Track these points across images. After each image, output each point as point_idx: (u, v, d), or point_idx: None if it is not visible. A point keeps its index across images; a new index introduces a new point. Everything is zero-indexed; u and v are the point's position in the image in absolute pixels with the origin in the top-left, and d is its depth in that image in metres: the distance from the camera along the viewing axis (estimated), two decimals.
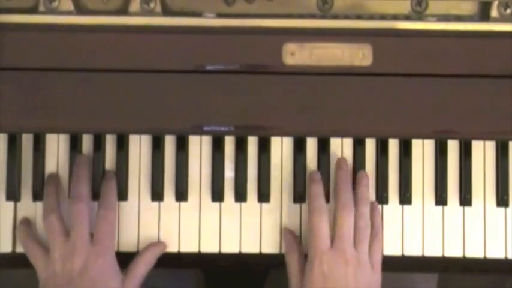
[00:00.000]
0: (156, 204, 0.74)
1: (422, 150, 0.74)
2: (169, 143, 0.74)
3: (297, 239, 0.72)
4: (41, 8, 0.71)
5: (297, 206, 0.74)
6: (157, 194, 0.74)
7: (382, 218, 0.74)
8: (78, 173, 0.72)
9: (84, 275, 0.66)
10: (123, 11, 0.71)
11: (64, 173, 0.74)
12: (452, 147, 0.74)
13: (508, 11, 0.71)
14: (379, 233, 0.72)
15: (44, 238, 0.71)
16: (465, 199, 0.74)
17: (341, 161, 0.74)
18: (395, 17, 0.72)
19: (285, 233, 0.73)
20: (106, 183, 0.72)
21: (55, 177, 0.73)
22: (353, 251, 0.68)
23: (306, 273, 0.68)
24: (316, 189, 0.71)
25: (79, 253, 0.67)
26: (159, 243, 0.73)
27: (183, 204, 0.74)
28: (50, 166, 0.74)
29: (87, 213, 0.69)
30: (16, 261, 0.74)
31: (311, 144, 0.74)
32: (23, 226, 0.72)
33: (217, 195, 0.74)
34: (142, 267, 0.71)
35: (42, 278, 0.68)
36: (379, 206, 0.74)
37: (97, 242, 0.68)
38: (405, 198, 0.74)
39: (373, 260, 0.70)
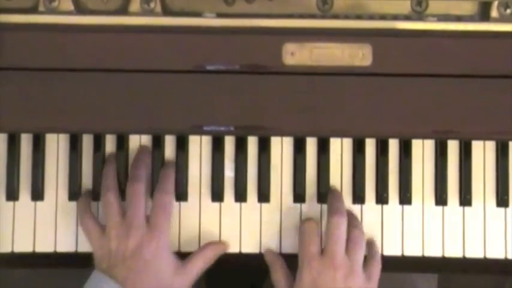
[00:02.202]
0: None
1: (422, 151, 0.74)
2: (169, 143, 0.74)
3: (278, 256, 0.72)
4: (41, 8, 0.71)
5: (297, 206, 0.74)
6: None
7: (382, 218, 0.74)
8: (137, 157, 0.72)
9: (137, 255, 0.67)
10: (123, 11, 0.71)
11: (64, 173, 0.74)
12: (452, 147, 0.74)
13: (508, 11, 0.70)
14: (376, 255, 0.71)
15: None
16: (465, 199, 0.74)
17: (334, 189, 0.74)
18: (395, 17, 0.72)
19: (266, 253, 0.73)
20: (164, 170, 0.73)
21: (113, 158, 0.73)
22: (343, 257, 0.67)
23: (296, 281, 0.68)
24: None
25: (134, 233, 0.67)
26: (221, 242, 0.73)
27: (183, 204, 0.74)
28: (49, 166, 0.74)
29: (144, 195, 0.70)
30: (16, 261, 0.74)
31: (311, 144, 0.74)
32: (84, 201, 0.72)
33: (217, 195, 0.74)
34: (200, 263, 0.71)
35: (97, 255, 0.69)
36: (379, 206, 0.74)
37: (152, 225, 0.68)
38: (405, 198, 0.74)
39: (369, 273, 0.69)
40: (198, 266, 0.71)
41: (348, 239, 0.69)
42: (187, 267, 0.70)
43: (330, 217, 0.69)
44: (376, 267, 0.70)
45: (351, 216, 0.71)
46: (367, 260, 0.71)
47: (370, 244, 0.72)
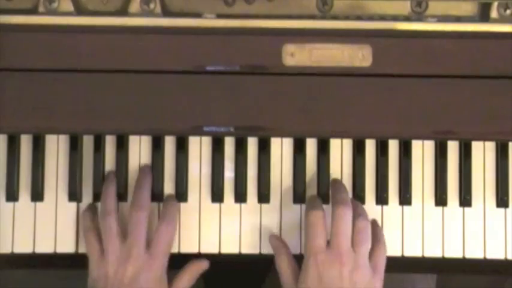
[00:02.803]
0: (155, 205, 0.74)
1: (422, 151, 0.74)
2: (169, 144, 0.75)
3: (284, 242, 0.72)
4: (41, 9, 0.71)
5: (297, 206, 0.74)
6: (157, 195, 0.74)
7: (382, 219, 0.74)
8: (142, 180, 0.72)
9: (133, 283, 0.67)
10: (122, 11, 0.71)
11: (63, 174, 0.74)
12: (452, 148, 0.74)
13: (508, 11, 0.71)
14: (381, 238, 0.71)
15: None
16: (465, 200, 0.74)
17: (336, 179, 0.74)
18: (395, 18, 0.72)
19: (271, 237, 0.73)
20: (170, 202, 0.73)
21: (113, 177, 0.73)
22: (349, 251, 0.66)
23: (301, 273, 0.67)
24: (313, 198, 0.71)
25: (133, 261, 0.67)
26: (202, 260, 0.73)
27: (183, 204, 0.74)
28: (49, 167, 0.74)
29: (146, 222, 0.69)
30: (16, 262, 0.74)
31: (311, 145, 0.74)
32: (89, 216, 0.72)
33: (217, 196, 0.74)
34: (186, 283, 0.71)
35: (93, 275, 0.69)
36: (379, 206, 0.74)
37: (152, 254, 0.68)
38: (405, 199, 0.74)
39: (374, 263, 0.68)
40: (185, 285, 0.71)
41: (353, 231, 0.68)
42: None
43: (334, 208, 0.68)
44: (381, 256, 0.69)
45: (355, 205, 0.70)
46: (371, 249, 0.69)
47: (374, 230, 0.71)
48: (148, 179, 0.73)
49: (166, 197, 0.74)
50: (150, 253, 0.68)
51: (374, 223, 0.72)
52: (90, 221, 0.72)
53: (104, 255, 0.68)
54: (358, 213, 0.69)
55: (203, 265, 0.73)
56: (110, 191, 0.72)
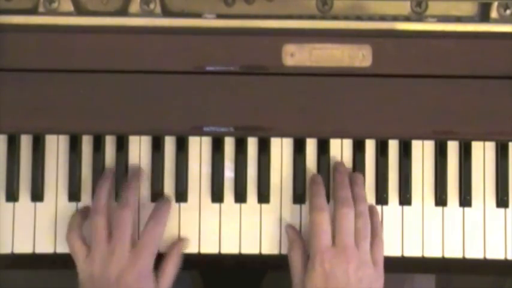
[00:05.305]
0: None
1: (422, 151, 0.74)
2: (169, 144, 0.75)
3: (300, 235, 0.72)
4: (41, 9, 0.71)
5: (297, 206, 0.74)
6: (157, 195, 0.74)
7: (382, 219, 0.74)
8: (131, 181, 0.72)
9: (120, 282, 0.66)
10: (122, 11, 0.71)
11: (63, 174, 0.74)
12: (452, 148, 0.74)
13: (508, 12, 0.71)
14: (379, 233, 0.71)
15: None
16: (465, 200, 0.74)
17: (338, 163, 0.74)
18: (395, 18, 0.72)
19: (288, 229, 0.73)
20: (162, 202, 0.73)
21: (109, 175, 0.73)
22: (354, 248, 0.68)
23: (308, 271, 0.68)
24: (317, 189, 0.71)
25: (117, 260, 0.67)
26: (180, 240, 0.73)
27: (182, 204, 0.74)
28: (49, 167, 0.74)
29: (131, 220, 0.69)
30: (16, 262, 0.74)
31: (311, 145, 0.74)
32: (77, 218, 0.72)
33: (217, 196, 0.74)
34: (171, 269, 0.71)
35: (81, 276, 0.69)
36: (379, 206, 0.74)
37: (136, 253, 0.68)
38: (405, 199, 0.74)
39: (374, 259, 0.69)
40: (171, 272, 0.71)
41: (355, 229, 0.69)
42: (163, 279, 0.70)
43: (337, 208, 0.69)
44: (380, 250, 0.71)
45: (356, 202, 0.71)
46: (370, 243, 0.70)
47: (373, 225, 0.71)
48: (137, 180, 0.72)
49: (162, 197, 0.73)
50: (135, 251, 0.68)
51: (372, 214, 0.72)
52: (76, 222, 0.72)
53: (90, 255, 0.69)
54: (359, 211, 0.70)
55: (182, 245, 0.73)
56: (103, 191, 0.71)
